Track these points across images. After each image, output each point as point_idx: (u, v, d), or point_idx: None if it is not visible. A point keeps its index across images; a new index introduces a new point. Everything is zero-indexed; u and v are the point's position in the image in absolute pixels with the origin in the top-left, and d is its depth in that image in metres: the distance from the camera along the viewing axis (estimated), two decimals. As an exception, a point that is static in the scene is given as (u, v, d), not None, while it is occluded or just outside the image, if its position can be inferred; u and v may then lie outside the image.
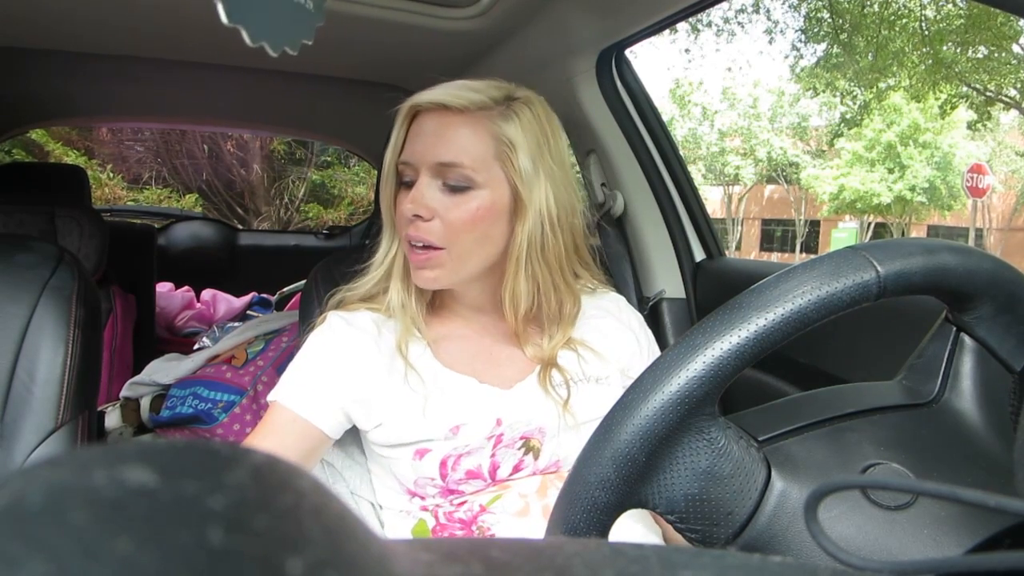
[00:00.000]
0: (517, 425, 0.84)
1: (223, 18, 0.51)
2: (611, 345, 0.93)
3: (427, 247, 0.82)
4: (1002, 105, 16.04)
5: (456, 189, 0.81)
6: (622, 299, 1.01)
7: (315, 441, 0.83)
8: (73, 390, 0.88)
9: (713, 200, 22.57)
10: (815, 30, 14.56)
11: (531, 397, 0.86)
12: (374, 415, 0.83)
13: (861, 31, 13.46)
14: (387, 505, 0.89)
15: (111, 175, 8.25)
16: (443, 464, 0.81)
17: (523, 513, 0.81)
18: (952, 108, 16.28)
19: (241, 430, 1.59)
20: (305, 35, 0.61)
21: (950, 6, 13.04)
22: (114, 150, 8.56)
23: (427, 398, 0.83)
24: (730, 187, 22.59)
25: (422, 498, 0.84)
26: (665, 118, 1.70)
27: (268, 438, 0.81)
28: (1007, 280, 0.48)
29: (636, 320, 0.99)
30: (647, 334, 0.99)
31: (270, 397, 0.85)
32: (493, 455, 0.83)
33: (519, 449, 0.84)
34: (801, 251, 21.90)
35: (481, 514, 0.82)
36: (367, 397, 0.83)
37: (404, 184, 0.85)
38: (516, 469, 0.84)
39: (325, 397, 0.83)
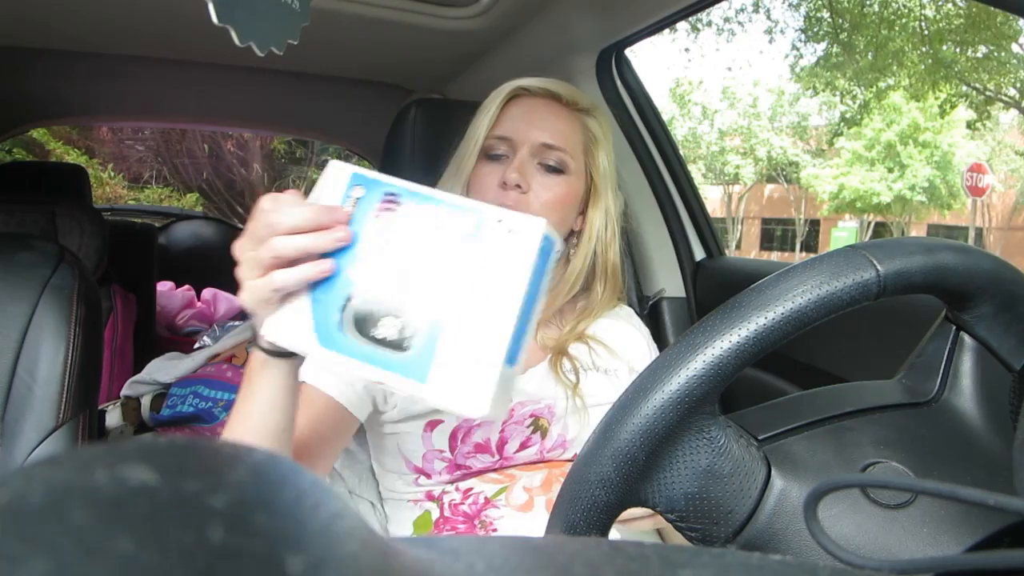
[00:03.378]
0: (527, 403, 0.87)
1: (213, 18, 0.52)
2: (622, 343, 0.98)
3: None
4: (1002, 104, 16.05)
5: (552, 170, 0.88)
6: (632, 311, 1.07)
7: (345, 423, 0.82)
8: (74, 389, 0.88)
9: (713, 199, 22.54)
10: (815, 29, 14.56)
11: (542, 380, 0.89)
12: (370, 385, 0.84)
13: (861, 30, 13.46)
14: (391, 496, 0.90)
15: (112, 174, 8.26)
16: (453, 436, 0.83)
17: (527, 507, 0.83)
18: (952, 107, 16.28)
19: (241, 429, 1.59)
20: (291, 35, 0.61)
21: (950, 6, 13.04)
22: (115, 149, 8.56)
23: None
24: (730, 186, 22.57)
25: (428, 476, 0.85)
26: (665, 117, 1.70)
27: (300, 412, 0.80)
28: (1007, 279, 0.48)
29: (645, 329, 1.05)
30: (652, 344, 1.04)
31: (300, 378, 0.84)
32: (502, 430, 0.85)
33: (528, 427, 0.87)
34: (801, 250, 21.88)
35: (486, 507, 0.83)
36: None
37: (489, 157, 0.89)
38: (523, 446, 0.86)
39: (352, 377, 0.82)
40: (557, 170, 0.88)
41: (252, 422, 0.62)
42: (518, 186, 0.85)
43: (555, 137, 0.87)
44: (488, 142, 0.89)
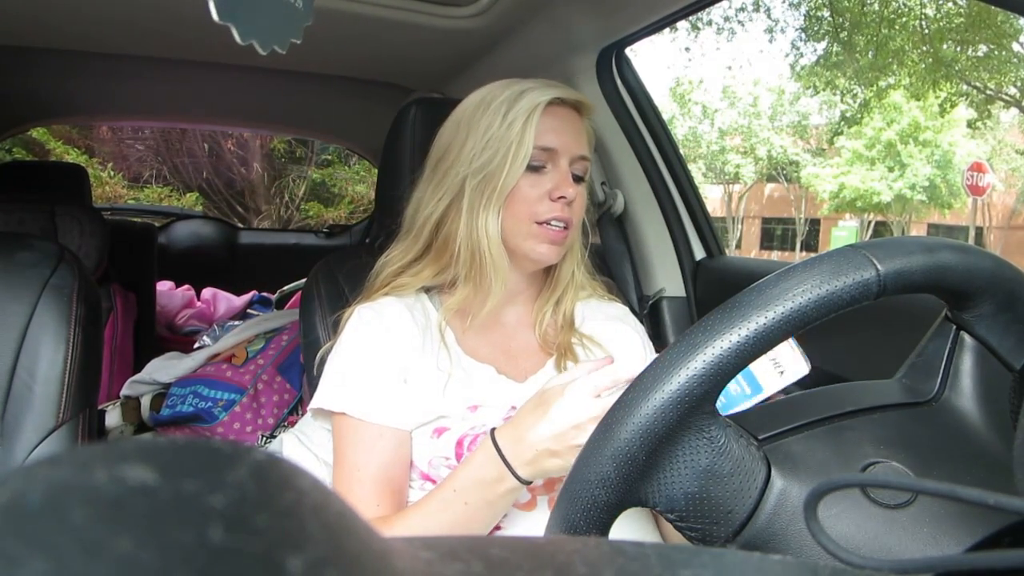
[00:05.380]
0: None
1: (214, 15, 0.52)
2: (618, 343, 0.98)
3: (565, 226, 0.89)
4: (1002, 103, 16.04)
5: (580, 180, 0.91)
6: (627, 309, 1.07)
7: (407, 441, 0.85)
8: (74, 388, 0.88)
9: (713, 199, 22.52)
10: (815, 28, 14.54)
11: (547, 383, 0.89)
12: (405, 396, 0.85)
13: (861, 29, 13.45)
14: None
15: (112, 173, 8.25)
16: (459, 443, 0.83)
17: (530, 506, 0.83)
18: (952, 106, 16.26)
19: (241, 428, 1.59)
20: (294, 34, 0.61)
21: (950, 4, 13.04)
22: (114, 148, 8.55)
23: (450, 376, 0.86)
24: (730, 185, 22.55)
25: (433, 482, 0.85)
26: (665, 116, 1.70)
27: (372, 458, 0.82)
28: (1007, 279, 0.48)
29: (640, 328, 1.05)
30: (648, 343, 1.04)
31: (333, 407, 0.84)
32: None
33: None
34: (801, 249, 21.86)
35: None
36: (408, 379, 0.86)
37: (529, 168, 0.87)
38: None
39: (394, 397, 0.84)
40: (581, 179, 0.91)
41: (480, 526, 0.76)
42: (562, 197, 0.86)
43: (585, 148, 0.90)
44: (532, 152, 0.87)
